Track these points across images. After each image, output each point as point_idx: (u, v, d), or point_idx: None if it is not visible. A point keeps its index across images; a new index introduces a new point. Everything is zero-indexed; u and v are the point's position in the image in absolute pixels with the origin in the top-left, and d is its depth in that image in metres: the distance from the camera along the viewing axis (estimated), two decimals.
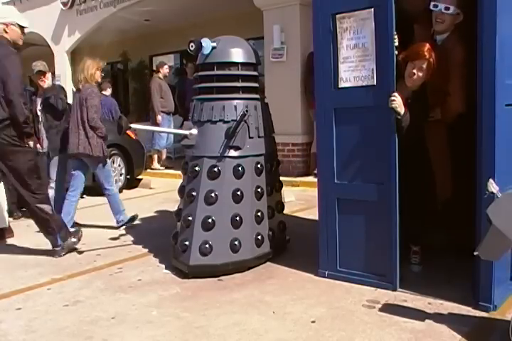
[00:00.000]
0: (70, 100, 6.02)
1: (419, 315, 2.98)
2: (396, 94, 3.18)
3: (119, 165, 7.95)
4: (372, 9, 3.24)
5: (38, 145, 5.73)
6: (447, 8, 3.46)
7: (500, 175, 2.90)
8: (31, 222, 5.88)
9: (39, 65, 5.70)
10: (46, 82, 5.69)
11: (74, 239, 4.58)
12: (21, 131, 4.10)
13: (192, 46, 3.91)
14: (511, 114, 3.12)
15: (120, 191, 7.89)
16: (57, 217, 4.53)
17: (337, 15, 3.41)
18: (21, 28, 4.23)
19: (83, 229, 4.88)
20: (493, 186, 2.63)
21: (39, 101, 5.81)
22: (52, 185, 5.54)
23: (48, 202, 4.42)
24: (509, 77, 3.04)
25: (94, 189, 7.61)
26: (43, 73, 5.66)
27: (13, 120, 4.03)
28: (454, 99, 3.53)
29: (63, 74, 13.40)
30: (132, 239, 4.96)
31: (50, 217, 4.35)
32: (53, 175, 5.60)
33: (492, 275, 2.97)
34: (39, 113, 5.78)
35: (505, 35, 2.92)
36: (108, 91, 9.16)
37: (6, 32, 4.07)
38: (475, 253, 2.62)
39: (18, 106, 3.99)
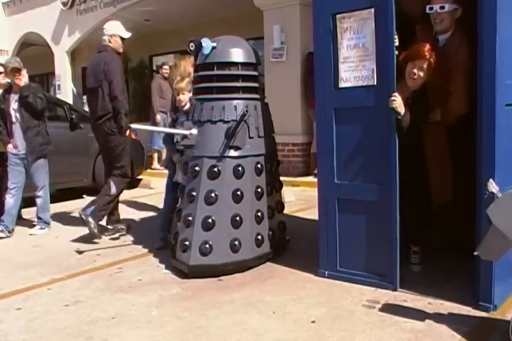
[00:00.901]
0: (70, 100, 6.03)
1: (419, 315, 2.98)
2: (396, 94, 3.18)
3: None
4: (373, 9, 3.24)
5: (10, 146, 5.47)
6: (442, 8, 3.46)
7: (500, 175, 2.90)
8: (31, 222, 5.91)
9: (13, 62, 5.41)
10: (22, 80, 5.38)
11: (123, 226, 5.18)
12: (121, 122, 4.85)
13: (192, 46, 3.91)
14: (511, 113, 3.13)
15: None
16: (110, 199, 5.07)
17: (337, 15, 3.41)
18: (122, 39, 5.20)
19: (83, 230, 4.88)
20: (493, 186, 2.63)
21: (13, 99, 5.47)
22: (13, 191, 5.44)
23: (119, 184, 5.16)
24: (509, 77, 3.04)
25: (93, 189, 7.65)
26: (18, 70, 5.36)
27: (116, 113, 4.84)
28: (456, 99, 3.52)
29: (63, 74, 13.41)
30: (132, 239, 4.96)
31: (107, 193, 5.05)
32: (16, 179, 5.46)
33: (492, 276, 2.96)
34: (12, 112, 5.48)
35: (505, 34, 2.92)
36: None
37: (110, 42, 5.12)
38: (475, 254, 2.62)
39: (120, 102, 4.84)
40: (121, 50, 5.25)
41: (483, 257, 2.68)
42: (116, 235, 5.10)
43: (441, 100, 3.55)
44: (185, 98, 4.53)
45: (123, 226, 5.27)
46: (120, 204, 6.93)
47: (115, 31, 5.12)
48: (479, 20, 2.92)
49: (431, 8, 3.50)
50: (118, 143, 5.05)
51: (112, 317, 3.13)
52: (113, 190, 5.05)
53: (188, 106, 4.52)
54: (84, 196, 7.71)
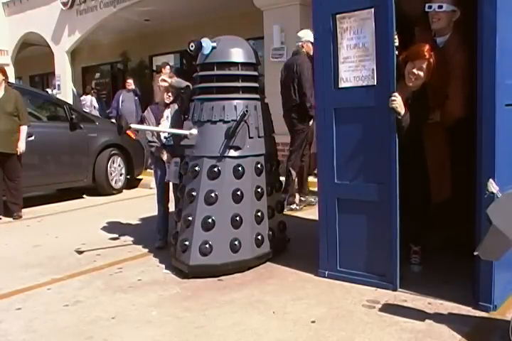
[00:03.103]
0: (70, 100, 6.02)
1: (419, 315, 2.98)
2: (396, 94, 3.18)
3: (119, 165, 7.96)
4: (373, 9, 3.24)
5: None
6: (440, 7, 3.46)
7: (500, 175, 2.90)
8: (31, 222, 5.92)
9: None
10: None
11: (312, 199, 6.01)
12: (306, 114, 5.83)
13: (192, 46, 3.91)
14: (511, 114, 3.13)
15: (120, 191, 7.92)
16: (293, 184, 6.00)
17: (337, 16, 3.40)
18: (312, 43, 5.21)
19: (83, 230, 4.88)
20: (493, 186, 2.63)
21: None
22: None
23: (295, 164, 6.04)
24: (509, 77, 3.04)
25: (93, 189, 7.66)
26: None
27: (302, 106, 5.78)
28: (453, 102, 3.52)
29: (63, 74, 13.42)
30: (132, 239, 4.96)
31: (290, 179, 5.97)
32: None
33: (492, 276, 2.96)
34: None
35: (505, 34, 2.92)
36: None
37: (303, 47, 5.93)
38: (475, 253, 2.62)
39: (307, 97, 5.65)
40: (311, 53, 5.50)
41: (483, 257, 2.67)
42: (117, 235, 5.10)
43: (440, 102, 3.55)
44: (171, 95, 4.55)
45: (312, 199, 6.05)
46: (120, 205, 6.98)
47: (308, 38, 5.69)
48: (479, 20, 2.92)
49: (429, 7, 3.50)
50: (301, 129, 5.96)
51: (112, 317, 3.13)
52: (293, 171, 5.99)
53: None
54: (84, 196, 7.71)
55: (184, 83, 4.30)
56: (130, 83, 10.40)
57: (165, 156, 4.51)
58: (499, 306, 3.02)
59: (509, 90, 3.03)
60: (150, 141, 4.55)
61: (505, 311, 2.98)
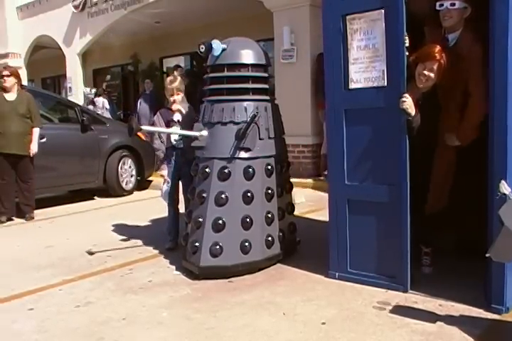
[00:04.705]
0: (81, 102, 6.06)
1: (430, 316, 2.96)
2: (407, 95, 3.17)
3: (130, 167, 8.00)
4: (383, 10, 3.23)
5: None
6: (453, 4, 3.43)
7: None
8: (43, 223, 5.96)
9: None
10: None
11: None
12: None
13: (202, 48, 3.91)
14: None
15: (131, 192, 7.95)
16: None
17: (347, 17, 3.40)
18: None
19: (94, 231, 4.90)
20: (505, 187, 2.61)
21: None
22: None
23: None
24: None
25: (104, 190, 7.70)
26: None
27: None
28: (476, 99, 3.44)
29: (74, 76, 13.51)
30: (143, 240, 4.97)
31: None
32: None
33: (504, 277, 2.94)
34: None
35: None
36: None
37: None
38: (487, 255, 2.60)
39: None
40: None
41: (495, 258, 2.65)
42: (128, 236, 5.12)
43: (456, 103, 3.51)
44: (178, 98, 4.55)
45: None
46: (130, 206, 7.01)
47: None
48: (491, 19, 2.90)
49: (441, 5, 3.47)
50: None
51: (123, 318, 3.14)
52: None
53: (180, 106, 4.56)
54: (95, 197, 7.76)
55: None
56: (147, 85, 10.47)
57: (163, 172, 4.56)
58: (511, 308, 3.00)
59: None
60: (156, 149, 4.59)
61: None
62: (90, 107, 11.32)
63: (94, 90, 12.07)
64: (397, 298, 3.26)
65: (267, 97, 4.05)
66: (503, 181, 2.68)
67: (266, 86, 4.07)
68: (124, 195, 7.80)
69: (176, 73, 9.67)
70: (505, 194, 2.60)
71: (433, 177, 3.66)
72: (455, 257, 3.79)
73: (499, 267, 2.92)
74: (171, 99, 4.56)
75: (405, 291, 3.31)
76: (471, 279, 3.39)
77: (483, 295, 3.13)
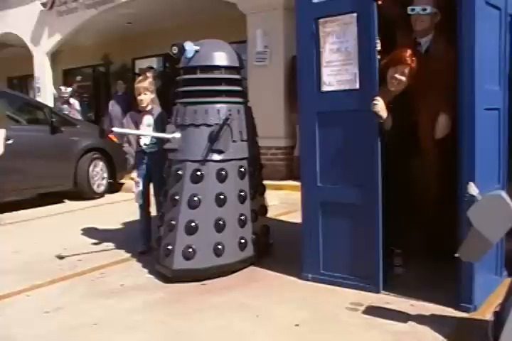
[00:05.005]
0: (50, 103, 5.95)
1: (402, 316, 3.00)
2: (378, 98, 3.21)
3: (101, 169, 7.90)
4: (355, 14, 3.26)
5: None
6: (424, 9, 3.49)
7: (480, 177, 2.94)
8: (10, 227, 5.85)
9: None
10: None
11: None
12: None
13: (175, 49, 3.89)
14: (490, 118, 3.18)
15: (102, 195, 7.86)
16: None
17: (320, 20, 3.42)
18: None
19: (64, 235, 4.82)
20: (473, 189, 2.66)
21: None
22: None
23: None
24: (488, 82, 3.09)
25: (74, 193, 7.59)
26: None
27: None
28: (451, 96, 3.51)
29: (43, 76, 13.25)
30: (114, 243, 4.91)
31: None
32: None
33: (473, 277, 3.00)
34: None
35: (484, 40, 2.98)
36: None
37: None
38: (456, 255, 2.64)
39: None
40: None
41: (464, 259, 2.70)
42: (99, 240, 5.05)
43: (429, 105, 3.56)
44: (145, 98, 4.48)
45: None
46: (102, 209, 6.92)
47: None
48: (459, 27, 2.96)
49: (412, 10, 3.52)
50: None
51: (94, 324, 3.09)
52: None
53: (149, 107, 4.51)
54: (65, 200, 7.64)
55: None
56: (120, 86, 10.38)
57: (132, 174, 4.53)
58: (479, 306, 3.05)
59: (488, 95, 3.08)
60: (126, 152, 4.55)
61: (484, 311, 3.00)
62: (65, 107, 11.09)
63: (70, 89, 11.81)
64: (370, 298, 3.28)
65: (240, 99, 4.05)
66: (471, 183, 2.73)
67: (239, 88, 4.07)
68: (95, 198, 7.70)
69: (148, 74, 9.63)
70: (473, 195, 2.65)
71: (407, 178, 3.70)
72: (427, 258, 3.83)
73: (468, 267, 2.98)
74: (138, 98, 4.50)
75: (378, 292, 3.34)
76: (441, 279, 3.44)
77: (454, 295, 3.17)
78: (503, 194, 2.49)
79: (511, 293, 2.43)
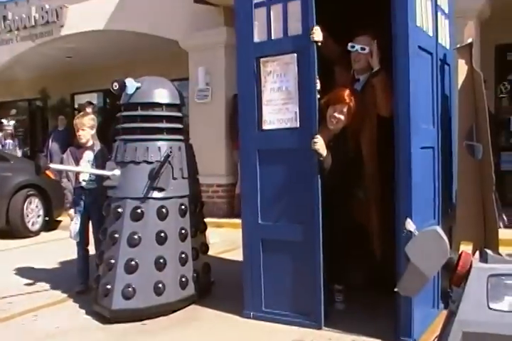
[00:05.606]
0: None
1: None
2: (318, 136, 3.28)
3: (37, 207, 7.65)
4: (295, 54, 3.36)
5: None
6: (363, 49, 3.64)
7: (417, 213, 3.04)
8: None
9: None
10: None
11: None
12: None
13: (115, 86, 3.87)
14: (426, 156, 3.32)
15: (38, 233, 7.58)
16: None
17: (261, 59, 3.50)
18: None
19: None
20: (410, 225, 2.74)
21: None
22: None
23: None
24: (423, 122, 3.24)
25: (7, 232, 7.28)
26: None
27: None
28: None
29: None
30: (50, 283, 4.72)
31: None
32: None
33: (411, 310, 3.06)
34: None
35: (419, 81, 3.13)
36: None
37: None
38: (395, 290, 2.69)
39: None
40: None
41: (402, 293, 2.75)
42: (33, 280, 4.84)
43: (368, 140, 3.68)
44: (84, 134, 4.44)
45: None
46: (37, 248, 6.65)
47: None
48: (394, 71, 3.11)
49: (352, 47, 3.66)
50: None
51: None
52: None
53: (90, 143, 4.47)
54: None
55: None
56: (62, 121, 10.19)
57: (70, 211, 4.45)
58: (418, 339, 3.10)
59: (423, 134, 3.22)
60: (63, 187, 4.45)
61: None
62: (9, 142, 10.71)
63: (12, 122, 11.40)
64: (312, 335, 3.28)
65: (181, 137, 4.05)
66: (408, 219, 2.80)
67: (180, 125, 4.08)
68: (30, 236, 7.42)
69: (88, 110, 9.53)
70: (410, 231, 2.71)
71: (348, 214, 3.77)
72: (367, 293, 3.88)
73: (406, 301, 3.04)
74: (77, 134, 4.45)
75: (320, 328, 3.34)
76: (382, 313, 3.48)
77: (393, 329, 3.21)
78: (439, 229, 2.57)
79: (447, 325, 2.48)
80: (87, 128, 4.43)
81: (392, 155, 3.18)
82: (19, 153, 11.03)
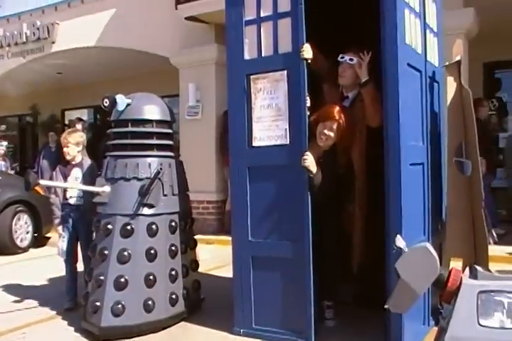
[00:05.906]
0: None
1: None
2: (308, 153, 3.30)
3: (26, 223, 7.58)
4: (286, 71, 3.39)
5: None
6: (351, 59, 3.69)
7: (407, 230, 3.05)
8: None
9: None
10: None
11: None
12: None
13: (106, 102, 3.88)
14: (415, 172, 3.34)
15: (26, 250, 7.51)
16: None
17: (251, 76, 3.53)
18: None
19: None
20: (400, 241, 2.74)
21: None
22: None
23: None
24: (412, 139, 3.27)
25: None
26: None
27: None
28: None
29: None
30: (39, 301, 4.66)
31: None
32: None
33: (402, 327, 3.06)
34: None
35: (408, 99, 3.17)
36: None
37: None
38: (385, 307, 2.69)
39: None
40: None
41: (392, 310, 2.74)
42: (21, 298, 4.78)
43: (358, 156, 3.71)
44: (69, 151, 4.41)
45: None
46: (25, 264, 6.59)
47: None
48: (384, 88, 3.16)
49: (342, 57, 3.71)
50: None
51: None
52: None
53: (78, 159, 4.45)
54: None
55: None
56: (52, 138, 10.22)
57: (58, 227, 4.41)
58: None
59: (412, 151, 3.25)
60: (51, 203, 4.43)
61: None
62: (1, 163, 10.66)
63: (5, 143, 11.37)
64: None
65: (172, 153, 4.05)
66: (398, 235, 2.81)
67: (170, 142, 4.08)
68: (18, 253, 7.32)
69: (78, 126, 9.52)
70: (400, 247, 2.72)
71: (338, 231, 3.78)
72: (357, 309, 3.87)
73: (397, 318, 3.04)
74: (63, 150, 4.44)
75: None
76: (372, 330, 3.47)
77: None
78: (429, 246, 2.58)
79: None
80: (72, 145, 4.40)
81: (382, 168, 3.21)
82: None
